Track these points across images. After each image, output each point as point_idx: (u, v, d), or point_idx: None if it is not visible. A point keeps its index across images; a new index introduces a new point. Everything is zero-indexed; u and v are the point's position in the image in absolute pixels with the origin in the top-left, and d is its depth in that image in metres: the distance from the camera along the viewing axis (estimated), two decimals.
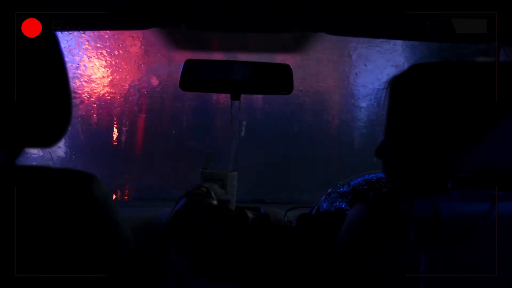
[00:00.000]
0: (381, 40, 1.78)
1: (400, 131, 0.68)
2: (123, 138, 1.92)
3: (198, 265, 0.78)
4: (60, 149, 1.84)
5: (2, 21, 0.52)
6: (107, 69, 1.82)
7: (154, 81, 1.88)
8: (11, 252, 0.54)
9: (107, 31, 1.74)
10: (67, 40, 1.73)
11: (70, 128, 0.60)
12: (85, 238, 0.57)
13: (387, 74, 0.70)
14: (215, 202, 0.91)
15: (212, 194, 1.01)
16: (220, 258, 0.75)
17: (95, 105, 1.84)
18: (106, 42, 1.79)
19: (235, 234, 0.75)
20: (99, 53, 1.80)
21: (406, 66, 0.69)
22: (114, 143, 1.92)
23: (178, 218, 0.82)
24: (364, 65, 1.90)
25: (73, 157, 1.84)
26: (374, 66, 1.89)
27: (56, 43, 0.56)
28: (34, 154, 1.73)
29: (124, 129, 1.91)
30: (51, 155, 1.76)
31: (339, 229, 0.70)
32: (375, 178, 1.18)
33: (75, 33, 1.71)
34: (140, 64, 1.85)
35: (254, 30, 1.28)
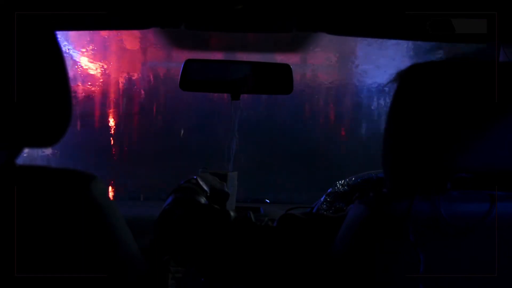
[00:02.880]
0: (381, 39, 1.78)
1: (399, 131, 0.68)
2: (122, 138, 1.92)
3: (189, 261, 0.78)
4: (59, 149, 1.84)
5: (2, 21, 0.52)
6: (107, 68, 1.82)
7: (154, 81, 1.88)
8: (11, 252, 0.54)
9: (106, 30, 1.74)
10: (67, 40, 1.73)
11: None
12: (85, 238, 0.57)
13: (388, 74, 0.70)
14: (203, 200, 0.91)
15: (204, 186, 1.00)
16: (210, 257, 0.75)
17: (93, 105, 1.84)
18: (104, 40, 1.79)
19: (217, 233, 0.75)
20: (96, 52, 1.80)
21: (406, 65, 0.69)
22: (114, 143, 1.92)
23: (164, 216, 0.83)
24: (364, 65, 1.90)
25: (73, 156, 1.83)
26: (374, 66, 1.89)
27: (56, 43, 0.56)
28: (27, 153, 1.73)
29: (124, 129, 1.91)
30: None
31: (325, 231, 0.70)
32: (375, 178, 1.18)
33: (73, 33, 1.71)
34: (140, 64, 1.85)
35: (254, 30, 1.28)
